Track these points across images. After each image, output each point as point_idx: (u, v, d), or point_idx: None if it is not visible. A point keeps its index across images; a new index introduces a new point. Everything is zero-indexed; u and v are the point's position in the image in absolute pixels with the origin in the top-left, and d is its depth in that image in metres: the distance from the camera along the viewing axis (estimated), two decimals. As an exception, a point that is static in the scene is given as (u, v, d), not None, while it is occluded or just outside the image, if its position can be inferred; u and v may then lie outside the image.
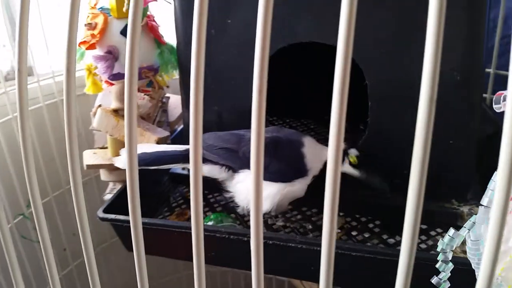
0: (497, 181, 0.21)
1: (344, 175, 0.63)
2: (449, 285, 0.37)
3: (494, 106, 0.35)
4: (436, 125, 0.74)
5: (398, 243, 0.68)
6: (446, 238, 0.36)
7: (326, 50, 0.67)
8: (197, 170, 0.29)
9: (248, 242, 0.66)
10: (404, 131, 0.70)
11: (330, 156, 0.25)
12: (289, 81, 1.00)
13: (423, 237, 0.68)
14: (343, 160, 0.62)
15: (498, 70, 0.99)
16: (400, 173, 0.72)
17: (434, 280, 0.37)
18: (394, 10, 0.64)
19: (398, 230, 0.71)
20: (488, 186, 0.34)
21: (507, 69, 0.98)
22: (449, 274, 0.37)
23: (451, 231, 0.36)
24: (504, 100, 0.32)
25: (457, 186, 0.69)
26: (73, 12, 0.30)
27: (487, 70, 0.98)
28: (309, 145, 0.67)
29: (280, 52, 0.72)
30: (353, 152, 0.65)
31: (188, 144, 0.76)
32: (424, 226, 0.71)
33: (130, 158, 0.31)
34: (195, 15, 0.27)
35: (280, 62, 0.82)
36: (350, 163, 0.63)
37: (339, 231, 0.70)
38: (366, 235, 0.70)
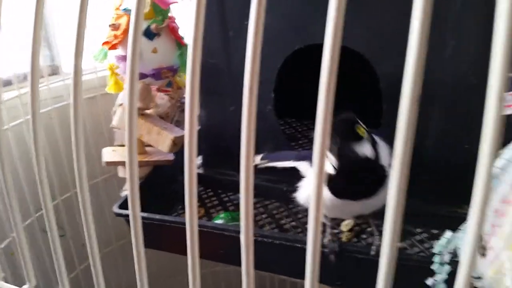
0: (476, 181, 0.21)
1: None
2: (445, 287, 0.37)
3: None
4: (450, 129, 0.74)
5: (410, 246, 0.67)
6: (443, 240, 0.36)
7: (342, 52, 0.68)
8: (192, 164, 0.30)
9: (256, 242, 0.67)
10: (419, 136, 0.70)
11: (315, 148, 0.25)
12: (309, 83, 1.01)
13: (433, 242, 0.67)
14: (359, 138, 0.54)
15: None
16: (414, 178, 0.72)
17: (429, 281, 0.37)
18: (408, 13, 0.64)
19: (408, 234, 0.71)
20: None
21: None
22: (446, 276, 0.37)
23: (448, 233, 0.36)
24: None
25: (470, 192, 0.68)
26: (82, 13, 0.32)
27: (510, 74, 0.96)
28: None
29: (297, 54, 0.73)
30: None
31: (208, 143, 0.76)
32: (435, 231, 0.70)
33: (130, 155, 0.32)
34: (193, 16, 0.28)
35: (300, 64, 0.83)
36: (361, 138, 0.54)
37: (348, 233, 0.70)
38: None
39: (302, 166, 0.68)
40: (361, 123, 0.55)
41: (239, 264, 0.32)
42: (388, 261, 0.25)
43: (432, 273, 0.40)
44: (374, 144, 0.56)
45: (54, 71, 1.07)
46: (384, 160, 0.57)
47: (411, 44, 0.23)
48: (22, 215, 0.92)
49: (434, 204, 0.71)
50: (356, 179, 0.56)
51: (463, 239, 0.35)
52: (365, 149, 0.53)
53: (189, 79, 0.29)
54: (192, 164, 0.30)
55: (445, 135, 0.67)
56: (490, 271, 0.32)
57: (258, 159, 0.75)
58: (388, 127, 0.68)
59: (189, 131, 0.29)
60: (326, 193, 0.58)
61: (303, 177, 0.68)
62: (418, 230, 0.71)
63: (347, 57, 0.70)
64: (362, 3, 0.66)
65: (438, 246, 0.37)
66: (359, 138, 0.53)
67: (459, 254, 0.35)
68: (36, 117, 0.35)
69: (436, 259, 0.37)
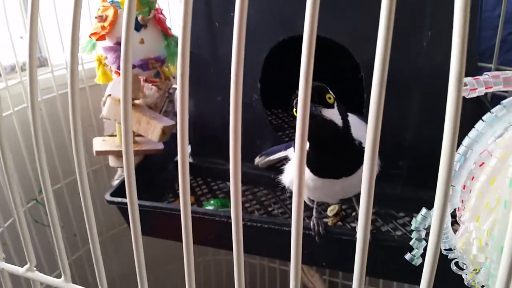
0: (441, 161, 0.23)
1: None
2: (421, 261, 0.39)
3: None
4: (429, 116, 0.76)
5: (393, 229, 0.70)
6: (419, 217, 0.39)
7: (325, 44, 0.70)
8: (184, 150, 0.32)
9: (245, 226, 0.69)
10: (399, 122, 0.73)
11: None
12: (294, 73, 1.03)
13: (415, 225, 0.70)
14: (328, 106, 0.55)
15: (501, 66, 1.00)
16: (396, 164, 0.75)
17: (407, 256, 0.40)
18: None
19: (392, 218, 0.73)
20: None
21: (510, 65, 0.99)
22: (422, 251, 0.39)
23: (423, 210, 0.39)
24: (466, 85, 0.34)
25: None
26: (76, 5, 0.34)
27: (489, 65, 1.00)
28: None
29: (281, 45, 0.75)
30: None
31: (197, 133, 0.78)
32: (416, 215, 0.73)
33: (126, 143, 0.34)
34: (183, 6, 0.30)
35: (283, 55, 0.85)
36: (329, 105, 0.55)
37: (333, 217, 0.73)
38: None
39: (290, 152, 0.71)
40: (331, 92, 0.56)
41: (229, 248, 0.34)
42: (363, 238, 0.28)
43: (412, 250, 0.43)
44: (344, 115, 0.58)
45: (42, 63, 1.08)
46: (359, 135, 0.59)
47: (380, 30, 0.25)
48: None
49: (416, 189, 0.74)
50: (325, 144, 0.58)
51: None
52: (333, 116, 0.55)
53: (180, 70, 0.30)
54: (184, 151, 0.32)
55: (424, 122, 0.69)
56: (460, 243, 0.35)
57: (257, 159, 0.78)
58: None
59: (181, 121, 0.31)
60: (307, 172, 0.60)
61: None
62: (401, 214, 0.74)
63: (331, 51, 0.72)
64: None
65: (415, 222, 0.39)
66: (328, 106, 0.55)
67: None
68: (35, 108, 0.37)
69: (413, 235, 0.40)
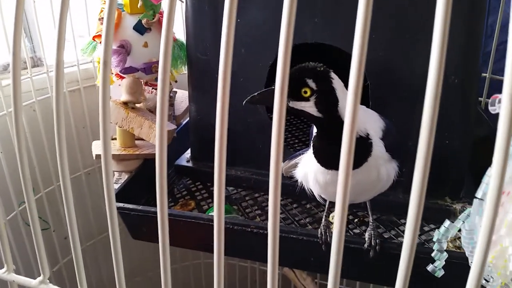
0: (491, 175, 0.24)
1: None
2: (443, 272, 0.40)
3: (489, 108, 0.38)
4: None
5: (395, 236, 0.71)
6: (442, 229, 0.40)
7: (331, 51, 0.71)
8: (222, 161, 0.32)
9: (250, 232, 0.69)
10: (403, 130, 0.74)
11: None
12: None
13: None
14: (300, 97, 0.56)
15: (494, 75, 1.03)
16: (399, 171, 0.76)
17: (429, 267, 0.40)
18: (394, 13, 0.67)
19: (394, 225, 0.75)
20: (482, 180, 0.37)
21: (503, 74, 1.02)
22: (444, 262, 0.40)
23: (447, 222, 0.40)
24: (499, 102, 0.35)
25: (451, 185, 0.73)
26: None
27: (483, 74, 1.02)
28: None
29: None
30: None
31: (197, 137, 0.78)
32: (418, 222, 0.74)
33: (160, 149, 0.34)
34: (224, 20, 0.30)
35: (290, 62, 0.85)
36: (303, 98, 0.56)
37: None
38: (363, 228, 0.74)
39: (309, 152, 0.70)
40: (310, 85, 0.56)
41: (232, 255, 0.34)
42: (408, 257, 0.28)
43: (420, 260, 0.43)
44: (327, 108, 0.56)
45: (36, 63, 1.06)
46: (366, 127, 0.58)
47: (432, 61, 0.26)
48: (5, 209, 0.91)
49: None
50: (322, 132, 0.58)
51: (464, 228, 0.38)
52: (306, 108, 0.56)
53: (221, 90, 0.30)
54: (222, 166, 0.32)
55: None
56: (490, 257, 0.35)
57: (282, 164, 0.77)
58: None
59: (220, 135, 0.31)
60: (315, 165, 0.61)
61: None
62: (402, 221, 0.75)
63: (338, 59, 0.73)
64: (347, 7, 0.69)
65: (437, 234, 0.40)
66: (300, 99, 0.56)
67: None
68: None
69: (435, 246, 0.41)
